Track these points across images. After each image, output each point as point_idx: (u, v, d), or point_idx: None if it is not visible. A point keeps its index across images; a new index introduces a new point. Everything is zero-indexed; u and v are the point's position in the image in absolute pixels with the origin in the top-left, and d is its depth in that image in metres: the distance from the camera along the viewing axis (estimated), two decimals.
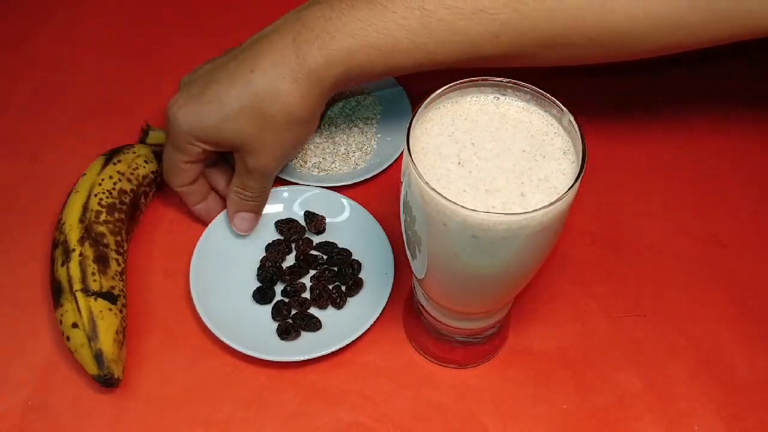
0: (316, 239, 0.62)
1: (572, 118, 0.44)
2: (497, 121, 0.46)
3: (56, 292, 0.55)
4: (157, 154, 0.64)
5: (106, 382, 0.53)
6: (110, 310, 0.54)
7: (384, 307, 0.57)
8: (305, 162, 0.66)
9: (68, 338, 0.54)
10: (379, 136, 0.69)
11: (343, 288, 0.59)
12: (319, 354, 0.55)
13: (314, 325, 0.57)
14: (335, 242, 0.61)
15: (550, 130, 0.46)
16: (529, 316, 0.59)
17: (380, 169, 0.66)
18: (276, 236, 0.62)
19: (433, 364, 0.56)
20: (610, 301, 0.60)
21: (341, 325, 0.57)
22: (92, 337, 0.53)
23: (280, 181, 0.65)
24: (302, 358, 0.55)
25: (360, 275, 0.60)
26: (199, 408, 0.54)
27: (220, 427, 0.53)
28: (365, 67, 0.53)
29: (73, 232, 0.56)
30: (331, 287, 0.59)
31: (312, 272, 0.61)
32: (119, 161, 0.61)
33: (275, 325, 0.57)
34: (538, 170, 0.44)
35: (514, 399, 0.55)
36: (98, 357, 0.53)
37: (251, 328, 0.57)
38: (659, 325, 0.59)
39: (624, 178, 0.67)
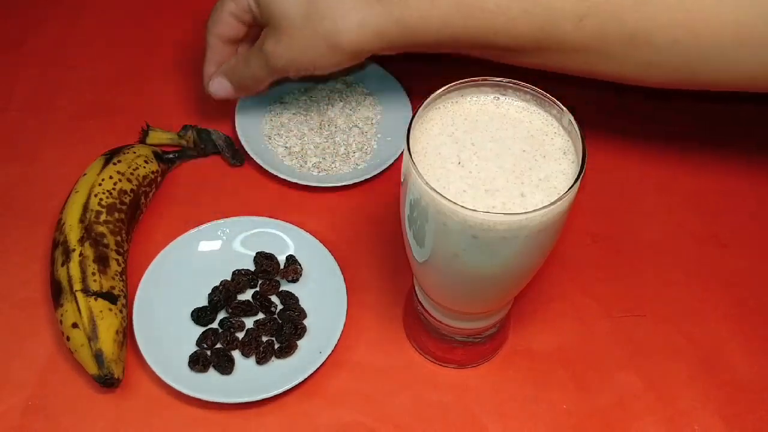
0: (284, 285, 0.60)
1: (572, 118, 0.44)
2: (497, 121, 0.46)
3: (56, 292, 0.55)
4: (157, 154, 0.64)
5: (106, 382, 0.53)
6: (110, 310, 0.54)
7: (296, 384, 0.53)
8: (305, 162, 0.66)
9: (68, 338, 0.54)
10: (379, 136, 0.69)
11: (276, 346, 0.56)
12: (208, 399, 0.53)
13: (224, 368, 0.55)
14: (298, 297, 0.59)
15: (550, 130, 0.46)
16: (529, 316, 0.59)
17: (380, 169, 0.65)
18: (249, 266, 0.60)
19: (433, 364, 0.57)
20: (610, 301, 0.60)
21: (253, 380, 0.54)
22: (92, 337, 0.53)
23: (287, 184, 0.65)
24: (194, 395, 0.53)
25: (299, 341, 0.56)
26: (199, 408, 0.54)
27: (220, 427, 0.53)
28: (438, 21, 0.52)
29: (73, 233, 0.56)
30: (265, 340, 0.56)
31: (259, 316, 0.58)
32: (119, 161, 0.61)
33: (192, 350, 0.56)
34: (538, 170, 0.44)
35: (514, 399, 0.55)
36: (98, 357, 0.53)
37: (174, 347, 0.56)
38: (659, 325, 0.59)
39: (624, 178, 0.67)
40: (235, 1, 0.59)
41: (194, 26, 0.78)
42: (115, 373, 0.53)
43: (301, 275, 0.60)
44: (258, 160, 0.65)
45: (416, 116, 0.44)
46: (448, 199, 0.41)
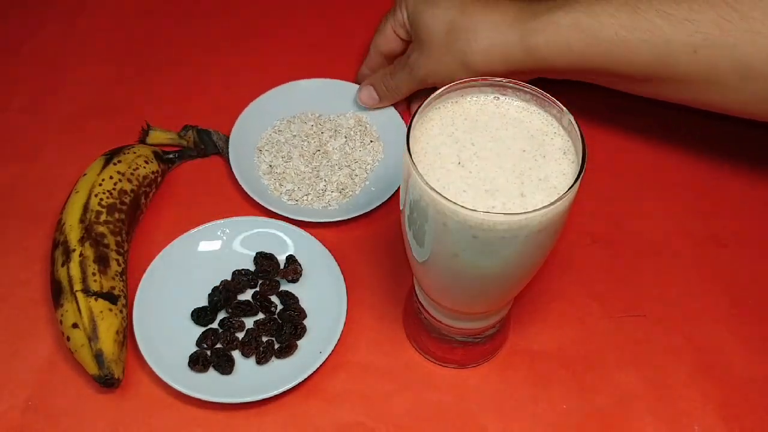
0: (284, 285, 0.60)
1: (572, 118, 0.44)
2: (497, 120, 0.46)
3: (56, 292, 0.55)
4: (157, 154, 0.64)
5: (106, 382, 0.53)
6: (110, 310, 0.54)
7: (297, 384, 0.53)
8: (281, 185, 0.65)
9: (68, 338, 0.54)
10: (366, 183, 0.66)
11: (276, 346, 0.56)
12: (208, 399, 0.53)
13: (224, 368, 0.55)
14: (298, 297, 0.59)
15: (550, 129, 0.46)
16: (529, 316, 0.59)
17: (349, 216, 0.62)
18: (249, 266, 0.60)
19: (433, 364, 0.56)
20: (610, 301, 0.60)
21: (253, 380, 0.55)
22: (92, 337, 0.53)
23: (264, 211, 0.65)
24: (194, 395, 0.53)
25: (299, 341, 0.56)
26: (199, 408, 0.54)
27: (220, 427, 0.53)
28: (561, 47, 0.57)
29: (73, 233, 0.56)
30: (265, 340, 0.56)
31: (259, 316, 0.58)
32: (119, 161, 0.61)
33: (192, 350, 0.56)
34: (538, 170, 0.44)
35: (514, 399, 0.55)
36: (98, 357, 0.53)
37: (174, 347, 0.56)
38: (659, 325, 0.59)
39: (624, 178, 0.67)
40: (395, 17, 0.66)
41: (194, 26, 0.78)
42: (115, 373, 0.53)
43: (301, 275, 0.60)
44: (235, 171, 0.64)
45: (416, 116, 0.44)
46: (448, 199, 0.41)
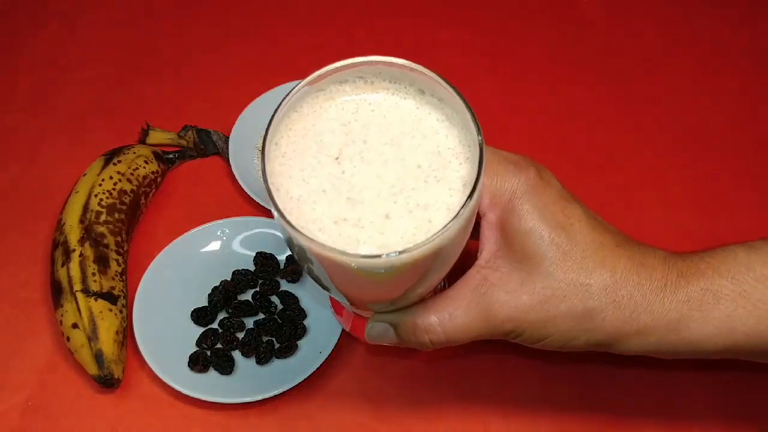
0: (284, 285, 0.59)
1: (483, 147, 0.36)
2: (409, 125, 0.38)
3: (56, 292, 0.55)
4: (157, 154, 0.64)
5: (106, 382, 0.53)
6: (110, 310, 0.54)
7: (297, 384, 0.53)
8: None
9: (68, 339, 0.54)
10: None
11: (276, 346, 0.56)
12: (209, 399, 0.53)
13: (224, 368, 0.55)
14: (298, 297, 0.59)
15: (463, 153, 0.37)
16: None
17: None
18: (249, 266, 0.60)
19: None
20: None
21: (253, 380, 0.54)
22: (92, 337, 0.53)
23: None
24: (194, 395, 0.53)
25: (299, 341, 0.56)
26: (199, 408, 0.54)
27: (220, 427, 0.53)
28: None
29: (73, 233, 0.56)
30: (265, 340, 0.56)
31: (259, 316, 0.58)
32: (119, 161, 0.61)
33: (192, 350, 0.56)
34: (422, 194, 0.36)
35: (516, 398, 0.55)
36: (98, 357, 0.53)
37: (174, 347, 0.55)
38: None
39: (622, 178, 0.67)
40: None
41: (194, 26, 0.78)
42: (115, 373, 0.53)
43: (301, 275, 0.60)
44: (235, 171, 0.64)
45: (311, 80, 0.38)
46: (294, 227, 0.34)
